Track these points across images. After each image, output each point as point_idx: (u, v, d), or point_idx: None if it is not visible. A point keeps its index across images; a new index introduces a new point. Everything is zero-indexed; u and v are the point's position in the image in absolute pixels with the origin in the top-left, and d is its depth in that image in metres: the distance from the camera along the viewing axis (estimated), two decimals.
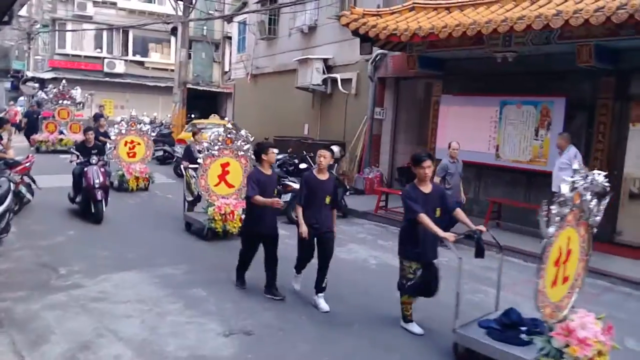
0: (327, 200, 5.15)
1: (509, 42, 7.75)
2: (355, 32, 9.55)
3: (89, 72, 28.65)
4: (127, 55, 29.93)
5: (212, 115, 22.24)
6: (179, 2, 18.36)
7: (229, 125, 8.08)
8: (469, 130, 9.54)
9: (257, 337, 4.62)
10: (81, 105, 18.50)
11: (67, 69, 27.89)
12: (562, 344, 3.51)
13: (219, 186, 7.76)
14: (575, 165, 3.71)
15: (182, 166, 8.81)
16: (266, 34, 17.56)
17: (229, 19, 21.76)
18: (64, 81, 18.83)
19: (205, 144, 7.80)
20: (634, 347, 4.89)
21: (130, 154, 11.41)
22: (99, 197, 8.13)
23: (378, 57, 11.90)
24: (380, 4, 11.64)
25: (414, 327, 4.83)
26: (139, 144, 11.58)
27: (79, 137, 16.95)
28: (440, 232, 4.36)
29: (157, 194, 11.41)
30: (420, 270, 4.68)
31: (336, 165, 10.77)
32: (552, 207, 3.38)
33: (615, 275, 6.82)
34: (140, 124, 11.72)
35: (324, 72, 14.14)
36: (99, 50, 29.49)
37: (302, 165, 10.81)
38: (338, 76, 13.79)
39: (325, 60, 14.19)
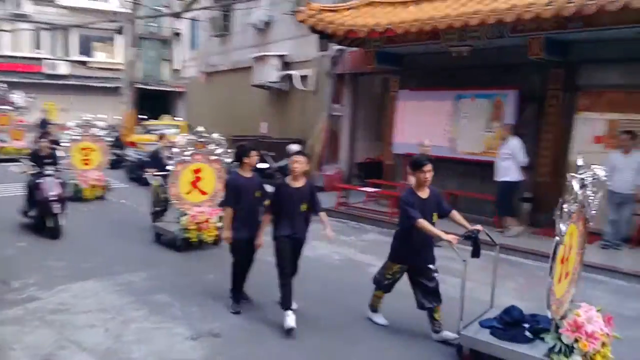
0: (304, 207, 4.89)
1: (464, 37, 7.92)
2: (312, 29, 9.51)
3: (28, 74, 27.20)
4: (69, 55, 28.68)
5: (164, 115, 21.64)
6: None
7: (201, 129, 7.58)
8: (426, 125, 9.69)
9: (225, 338, 4.58)
10: (25, 110, 17.40)
11: (3, 72, 26.40)
12: (571, 340, 3.58)
13: (191, 194, 7.37)
14: (580, 162, 3.73)
15: (148, 174, 8.24)
16: (219, 31, 17.24)
17: (179, 15, 21.22)
18: (2, 85, 17.79)
19: (176, 149, 7.38)
20: None
21: (85, 161, 10.80)
22: (56, 210, 7.56)
23: (336, 54, 11.92)
24: None
25: (379, 318, 4.94)
26: (93, 150, 10.98)
27: (23, 144, 16.05)
28: (443, 235, 4.26)
29: (114, 201, 10.96)
30: (400, 274, 4.70)
31: None
32: (564, 205, 3.42)
33: None
34: (94, 128, 11.09)
35: (280, 69, 14.02)
36: (38, 51, 28.12)
37: (262, 165, 10.67)
38: (295, 73, 13.71)
39: (281, 57, 14.07)
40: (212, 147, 7.44)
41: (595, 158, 11.03)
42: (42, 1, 27.70)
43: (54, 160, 8.35)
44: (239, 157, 5.25)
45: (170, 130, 16.53)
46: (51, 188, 7.62)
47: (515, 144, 8.07)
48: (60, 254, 6.92)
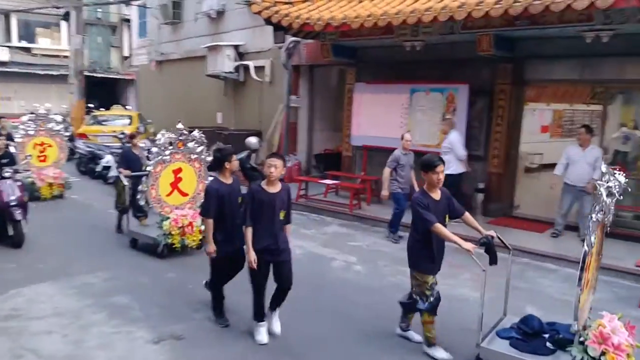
0: (282, 215, 4.46)
1: (417, 32, 8.08)
2: (267, 21, 9.45)
3: None
4: (10, 41, 27.22)
5: (115, 105, 20.95)
6: None
7: (180, 125, 7.02)
8: (382, 117, 9.88)
9: (188, 340, 4.54)
10: None
11: None
12: (598, 353, 3.53)
13: (171, 195, 6.92)
14: (603, 168, 3.66)
15: (120, 175, 7.64)
16: (170, 19, 16.77)
17: (128, 2, 20.49)
18: None
19: (155, 149, 6.86)
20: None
21: (41, 158, 10.12)
22: (18, 217, 6.93)
23: (291, 45, 11.87)
24: None
25: (440, 353, 4.31)
26: (50, 145, 10.30)
27: None
28: (461, 242, 3.97)
29: (71, 198, 10.44)
30: (436, 284, 4.33)
31: (254, 155, 10.64)
32: (592, 215, 3.43)
33: (516, 248, 7.32)
34: (51, 122, 10.34)
35: (235, 59, 13.83)
36: None
37: None
38: (250, 63, 13.55)
39: (236, 47, 13.87)
40: (192, 145, 7.02)
41: (542, 147, 11.61)
42: None
43: (11, 160, 7.73)
44: (220, 161, 4.82)
45: (123, 121, 16.13)
46: (10, 192, 7.01)
47: (454, 138, 8.32)
48: (9, 256, 6.70)
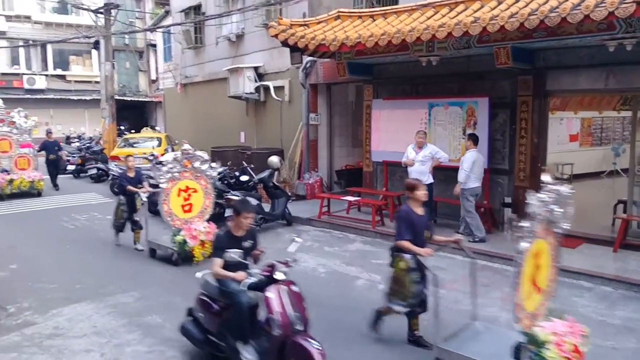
0: None
1: (432, 48, 8.01)
2: (284, 43, 9.55)
3: (8, 90, 27.03)
4: (47, 69, 28.46)
5: (145, 128, 21.54)
6: (98, 15, 17.56)
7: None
8: (401, 132, 9.77)
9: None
10: (27, 131, 14.15)
11: None
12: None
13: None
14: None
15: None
16: (192, 43, 17.24)
17: (152, 30, 21.13)
18: None
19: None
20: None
21: (186, 207, 7.79)
22: (317, 357, 3.78)
23: (308, 64, 11.99)
24: (306, 12, 11.71)
25: None
26: (195, 190, 7.90)
27: (35, 175, 13.72)
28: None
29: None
30: None
31: (276, 173, 10.74)
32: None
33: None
34: (197, 161, 7.92)
35: (255, 80, 14.05)
36: (16, 66, 27.90)
37: (243, 178, 10.66)
38: (270, 84, 13.76)
39: (256, 69, 14.11)
40: None
41: (572, 156, 11.26)
42: (16, 18, 27.45)
43: (255, 242, 4.61)
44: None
45: (152, 142, 16.48)
46: (290, 309, 4.01)
47: (432, 147, 8.60)
48: (51, 276, 6.96)
